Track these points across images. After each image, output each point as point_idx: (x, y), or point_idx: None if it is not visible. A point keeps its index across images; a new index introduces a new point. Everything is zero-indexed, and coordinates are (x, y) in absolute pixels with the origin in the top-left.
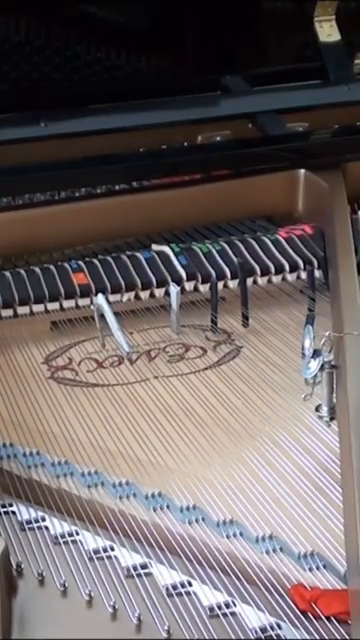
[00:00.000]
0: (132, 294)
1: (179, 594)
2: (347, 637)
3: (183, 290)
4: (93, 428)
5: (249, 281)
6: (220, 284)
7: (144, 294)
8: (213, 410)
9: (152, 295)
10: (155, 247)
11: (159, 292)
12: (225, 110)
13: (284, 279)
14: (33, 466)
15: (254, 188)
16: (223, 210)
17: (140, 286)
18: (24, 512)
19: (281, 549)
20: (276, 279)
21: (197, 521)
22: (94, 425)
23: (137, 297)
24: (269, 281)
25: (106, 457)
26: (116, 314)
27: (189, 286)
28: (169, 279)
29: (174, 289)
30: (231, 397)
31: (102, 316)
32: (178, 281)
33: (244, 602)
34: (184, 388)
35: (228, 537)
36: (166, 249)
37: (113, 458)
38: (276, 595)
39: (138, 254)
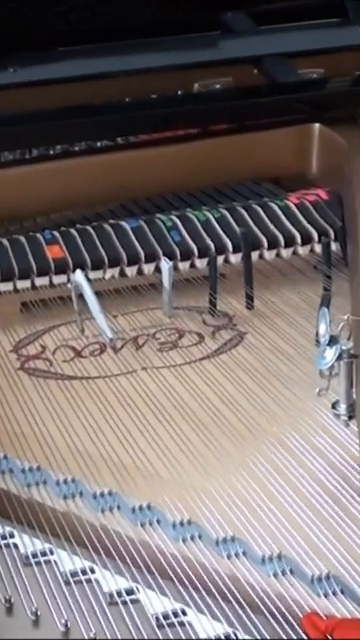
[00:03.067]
0: (116, 270)
1: (171, 625)
2: None
3: (176, 266)
4: (70, 428)
5: (254, 255)
6: (220, 259)
7: (130, 270)
8: (212, 407)
9: (140, 272)
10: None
11: (148, 268)
12: (226, 53)
13: (295, 253)
14: (0, 473)
15: (260, 145)
16: (223, 171)
17: (126, 261)
18: None
19: (291, 571)
20: (286, 253)
21: (193, 538)
22: (72, 425)
23: (122, 274)
24: (278, 255)
25: (86, 463)
26: (97, 294)
27: (184, 263)
28: (160, 253)
29: (166, 265)
30: (233, 392)
31: (81, 296)
32: (171, 255)
33: (248, 634)
34: (177, 382)
35: (229, 557)
36: (156, 220)
37: (94, 464)
38: (285, 625)
39: (123, 223)
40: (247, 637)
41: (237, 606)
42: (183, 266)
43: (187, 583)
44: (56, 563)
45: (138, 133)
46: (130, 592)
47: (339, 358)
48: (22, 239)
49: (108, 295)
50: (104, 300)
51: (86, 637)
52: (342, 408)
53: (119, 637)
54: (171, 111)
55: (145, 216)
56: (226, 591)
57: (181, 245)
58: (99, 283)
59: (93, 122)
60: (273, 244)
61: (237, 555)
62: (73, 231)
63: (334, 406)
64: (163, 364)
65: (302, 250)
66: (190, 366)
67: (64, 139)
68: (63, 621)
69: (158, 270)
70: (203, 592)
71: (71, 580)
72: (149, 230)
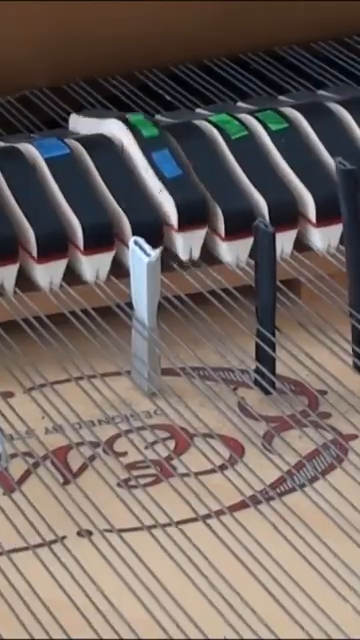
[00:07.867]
0: (11, 270)
1: None
2: None
3: (169, 252)
4: None
5: None
6: (282, 240)
7: (45, 271)
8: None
9: (71, 271)
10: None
11: (91, 265)
12: None
13: None
14: None
15: None
16: (286, 18)
17: (34, 246)
18: None
19: None
20: None
21: None
22: None
23: (23, 275)
24: None
25: None
26: None
27: (185, 242)
28: (125, 220)
29: (144, 258)
30: (321, 595)
31: None
32: (154, 225)
33: None
34: (169, 566)
35: None
36: (116, 126)
37: None
38: None
39: (33, 146)
40: None
41: None
42: (184, 248)
43: None
44: None
45: None
46: None
47: None
48: None
49: None
50: None
51: None
52: None
53: None
54: None
55: (96, 114)
56: None
57: (182, 189)
58: None
59: None
60: None
61: None
62: None
63: None
64: (136, 523)
65: None
66: (205, 526)
67: None
68: None
69: (123, 272)
70: None
71: None
72: (93, 158)
